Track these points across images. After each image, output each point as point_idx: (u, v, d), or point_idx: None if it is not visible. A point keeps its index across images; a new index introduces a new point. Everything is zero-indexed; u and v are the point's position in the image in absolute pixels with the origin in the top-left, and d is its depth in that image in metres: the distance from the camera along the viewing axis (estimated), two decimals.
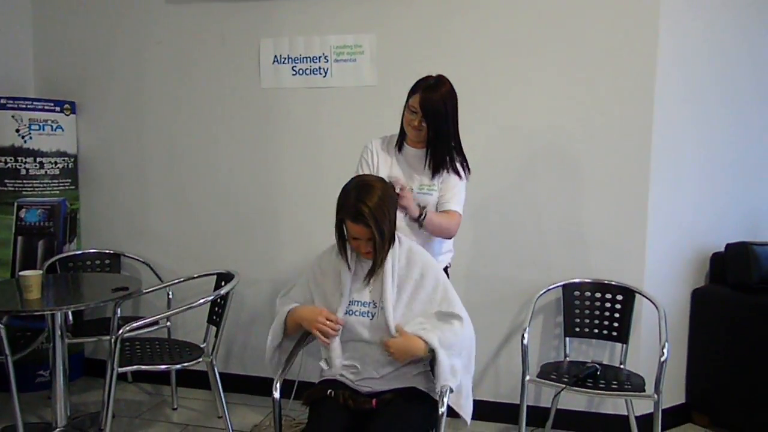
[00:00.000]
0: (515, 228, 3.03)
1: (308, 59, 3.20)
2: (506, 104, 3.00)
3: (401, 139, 2.36)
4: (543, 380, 2.60)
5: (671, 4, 2.82)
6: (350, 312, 1.98)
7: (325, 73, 3.18)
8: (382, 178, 2.01)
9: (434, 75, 2.26)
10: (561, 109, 2.94)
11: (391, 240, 1.96)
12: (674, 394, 3.09)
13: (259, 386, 3.34)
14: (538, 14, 2.92)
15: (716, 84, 3.06)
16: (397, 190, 2.08)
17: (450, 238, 2.39)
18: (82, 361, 3.66)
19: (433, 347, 1.87)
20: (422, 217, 2.18)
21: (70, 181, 3.51)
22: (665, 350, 2.45)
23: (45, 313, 2.74)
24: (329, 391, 1.98)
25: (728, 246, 3.00)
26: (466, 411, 2.00)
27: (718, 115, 3.08)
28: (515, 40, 2.96)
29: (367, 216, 1.84)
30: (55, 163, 3.43)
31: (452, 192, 2.30)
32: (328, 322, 1.94)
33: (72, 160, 3.52)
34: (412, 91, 2.24)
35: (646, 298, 2.78)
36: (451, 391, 1.91)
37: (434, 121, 2.20)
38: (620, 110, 2.87)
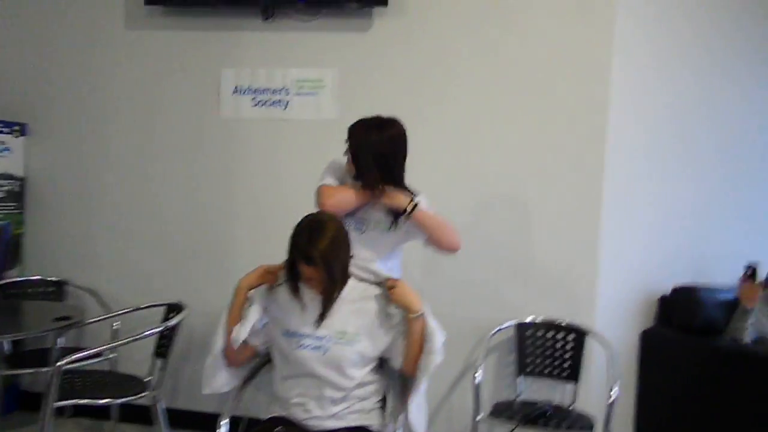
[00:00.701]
0: (469, 266, 3.05)
1: (269, 91, 3.20)
2: (462, 142, 3.05)
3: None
4: (494, 419, 2.59)
5: (625, 47, 2.94)
6: (302, 346, 1.95)
7: (286, 105, 3.19)
8: (334, 217, 1.98)
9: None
10: (514, 151, 3.01)
11: (343, 280, 1.95)
12: None
13: (207, 422, 3.21)
14: (496, 55, 3.01)
15: (669, 129, 3.18)
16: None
17: (454, 248, 2.31)
18: (17, 393, 3.48)
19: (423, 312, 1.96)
20: (413, 207, 2.16)
21: (15, 204, 3.39)
22: (613, 392, 2.48)
23: None
24: (278, 428, 1.93)
25: (674, 290, 3.08)
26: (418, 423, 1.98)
27: (670, 159, 3.19)
28: (473, 79, 3.03)
29: (316, 260, 1.83)
30: (1, 185, 3.32)
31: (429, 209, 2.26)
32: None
33: (19, 183, 3.41)
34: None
35: (596, 339, 2.82)
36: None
37: (355, 158, 2.21)
38: (572, 154, 2.96)
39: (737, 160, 3.39)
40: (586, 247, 2.95)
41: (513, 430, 2.52)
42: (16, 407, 3.47)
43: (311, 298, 1.97)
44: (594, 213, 2.94)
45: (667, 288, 3.14)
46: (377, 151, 2.17)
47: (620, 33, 2.92)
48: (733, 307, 3.01)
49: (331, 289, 1.90)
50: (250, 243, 3.26)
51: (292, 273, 1.93)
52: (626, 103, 3.00)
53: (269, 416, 2.04)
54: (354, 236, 2.07)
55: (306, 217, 1.94)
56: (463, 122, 3.05)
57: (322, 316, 1.94)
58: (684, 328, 3.00)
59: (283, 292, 2.02)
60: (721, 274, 3.31)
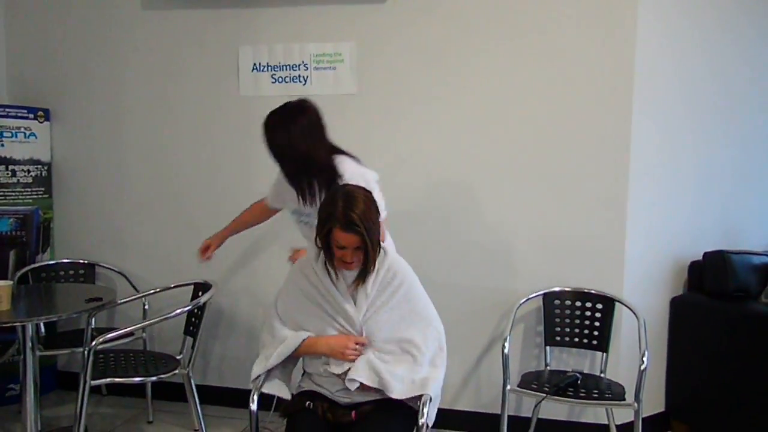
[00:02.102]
0: (495, 237, 3.03)
1: (287, 67, 3.18)
2: (485, 111, 3.00)
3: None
4: (524, 390, 2.59)
5: (655, 5, 2.85)
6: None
7: (305, 81, 3.16)
8: (362, 187, 1.97)
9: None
10: (541, 121, 2.95)
11: (378, 246, 1.94)
12: (654, 403, 3.10)
13: (237, 398, 3.28)
14: (518, 24, 2.93)
15: (700, 94, 3.10)
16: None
17: None
18: (54, 373, 3.58)
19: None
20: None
21: (43, 189, 3.44)
22: (645, 359, 2.45)
23: (15, 324, 2.67)
24: (308, 403, 1.95)
25: (706, 254, 3.02)
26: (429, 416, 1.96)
27: (700, 124, 3.11)
28: (495, 51, 2.96)
29: (357, 223, 1.82)
30: (28, 171, 3.36)
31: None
32: (357, 347, 1.93)
33: (45, 168, 3.45)
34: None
35: (626, 306, 2.79)
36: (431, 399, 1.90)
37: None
38: (599, 122, 2.89)
39: None
40: (613, 215, 2.90)
41: (543, 399, 2.51)
42: (54, 386, 3.57)
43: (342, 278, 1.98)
44: (621, 179, 2.88)
45: (696, 254, 3.08)
46: (295, 153, 2.14)
47: None
48: (766, 271, 2.96)
49: (372, 252, 1.89)
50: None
51: (327, 247, 1.92)
52: (655, 66, 2.91)
53: (298, 391, 2.06)
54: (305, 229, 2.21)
55: (335, 187, 1.95)
56: (485, 93, 2.99)
57: (357, 281, 1.94)
58: (716, 293, 2.95)
59: (315, 273, 2.01)
60: (751, 240, 3.25)
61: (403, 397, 1.90)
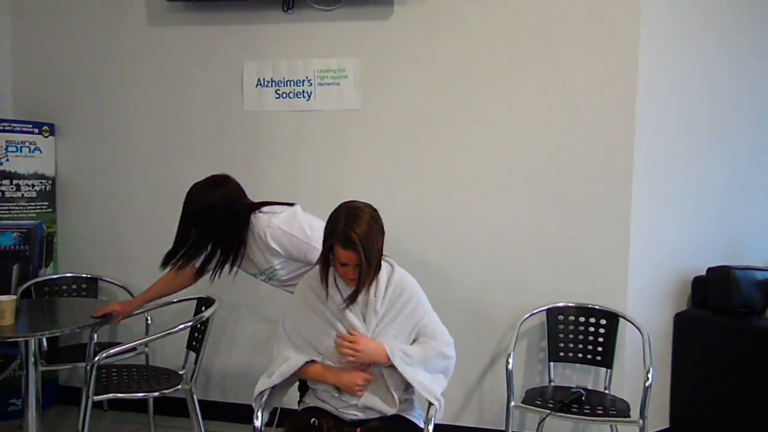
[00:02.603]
0: (498, 252, 3.03)
1: (292, 83, 3.20)
2: (489, 126, 3.01)
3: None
4: (528, 406, 2.57)
5: (654, 19, 2.87)
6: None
7: (309, 96, 3.18)
8: (369, 204, 1.98)
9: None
10: (543, 136, 2.96)
11: (378, 267, 1.94)
12: (659, 419, 3.08)
13: (240, 413, 3.26)
14: (520, 39, 2.96)
15: (702, 108, 3.12)
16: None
17: None
18: (56, 388, 3.56)
19: (392, 358, 1.90)
20: None
21: (47, 203, 3.45)
22: (649, 375, 2.44)
23: (18, 339, 2.66)
24: (312, 420, 1.93)
25: (709, 270, 3.02)
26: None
27: (703, 139, 3.13)
28: (497, 66, 2.98)
29: (356, 242, 1.83)
30: (33, 185, 3.37)
31: None
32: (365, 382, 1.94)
33: (50, 182, 3.46)
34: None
35: (630, 322, 2.78)
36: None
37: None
38: (602, 136, 2.90)
39: None
40: (617, 230, 2.90)
41: (547, 416, 2.50)
42: (56, 402, 3.55)
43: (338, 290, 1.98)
44: (625, 195, 2.89)
45: (700, 269, 3.08)
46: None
47: (649, 3, 2.85)
48: None
49: (366, 272, 1.89)
50: None
51: (325, 262, 1.93)
52: (656, 81, 2.93)
53: (303, 407, 2.05)
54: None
55: (341, 204, 1.95)
56: (489, 108, 3.01)
57: (352, 298, 1.94)
58: (720, 309, 2.94)
59: (318, 287, 2.02)
60: (755, 255, 3.25)
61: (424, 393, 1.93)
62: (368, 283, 1.93)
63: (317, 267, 2.05)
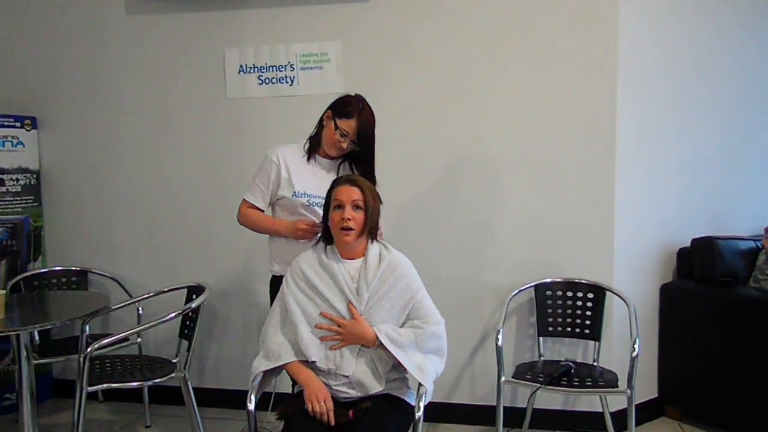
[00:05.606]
0: (484, 230, 3.05)
1: (274, 68, 3.18)
2: (471, 108, 3.02)
3: (314, 149, 2.37)
4: (518, 380, 2.61)
5: None
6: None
7: (292, 81, 3.17)
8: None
9: (355, 96, 2.33)
10: (525, 112, 2.97)
11: (375, 229, 2.04)
12: (647, 389, 3.14)
13: (235, 399, 3.29)
14: (501, 16, 2.96)
15: (687, 79, 3.14)
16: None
17: None
18: (50, 381, 3.57)
19: (380, 338, 1.93)
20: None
21: (32, 197, 3.43)
22: (636, 346, 2.49)
23: (9, 333, 2.67)
24: (306, 404, 1.95)
25: (694, 241, 3.06)
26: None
27: (686, 110, 3.15)
28: (479, 45, 2.99)
29: (358, 180, 2.02)
30: (17, 179, 3.35)
31: None
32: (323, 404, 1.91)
33: (34, 176, 3.44)
34: (343, 114, 2.26)
35: (617, 294, 2.82)
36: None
37: (366, 147, 2.28)
38: (584, 109, 2.92)
39: (757, 112, 3.35)
40: (601, 204, 2.93)
41: (537, 390, 2.54)
42: (51, 394, 3.56)
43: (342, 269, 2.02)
44: (608, 168, 2.91)
45: (685, 241, 3.12)
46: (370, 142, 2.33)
47: None
48: (753, 256, 3.00)
49: (370, 212, 1.98)
50: None
51: (326, 226, 2.05)
52: (640, 52, 2.94)
53: (297, 391, 2.07)
54: None
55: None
56: (471, 89, 3.01)
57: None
58: (704, 279, 2.99)
59: (312, 264, 2.06)
60: (738, 226, 3.29)
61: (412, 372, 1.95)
62: (366, 235, 2.01)
63: (309, 250, 2.08)
